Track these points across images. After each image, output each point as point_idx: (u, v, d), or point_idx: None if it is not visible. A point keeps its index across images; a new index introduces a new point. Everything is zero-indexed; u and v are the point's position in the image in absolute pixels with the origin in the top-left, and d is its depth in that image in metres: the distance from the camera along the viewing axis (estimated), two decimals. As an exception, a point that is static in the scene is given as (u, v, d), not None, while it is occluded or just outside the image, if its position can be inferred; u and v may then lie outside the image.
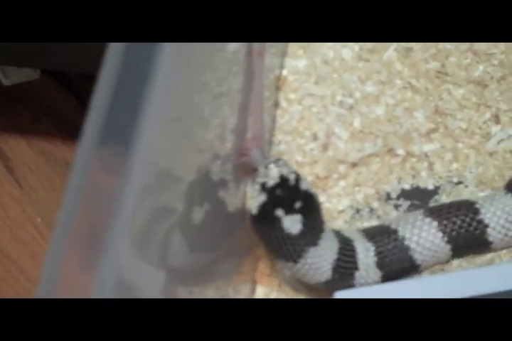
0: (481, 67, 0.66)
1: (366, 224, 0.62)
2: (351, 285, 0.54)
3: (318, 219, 0.54)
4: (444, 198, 0.62)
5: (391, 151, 0.64)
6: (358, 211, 0.63)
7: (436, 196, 0.63)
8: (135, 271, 0.39)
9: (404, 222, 0.57)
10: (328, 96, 0.66)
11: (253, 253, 0.61)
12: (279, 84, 0.67)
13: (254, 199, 0.52)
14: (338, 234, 0.56)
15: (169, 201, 0.44)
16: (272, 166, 0.52)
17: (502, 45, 0.66)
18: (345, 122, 0.65)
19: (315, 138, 0.64)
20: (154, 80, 0.39)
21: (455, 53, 0.67)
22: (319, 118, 0.65)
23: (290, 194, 0.52)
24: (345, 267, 0.54)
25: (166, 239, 0.44)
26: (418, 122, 0.65)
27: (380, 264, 0.55)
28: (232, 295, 0.58)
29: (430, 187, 0.63)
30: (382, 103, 0.66)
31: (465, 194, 0.62)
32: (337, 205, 0.62)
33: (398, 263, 0.56)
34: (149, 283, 0.44)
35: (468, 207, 0.57)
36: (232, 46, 0.59)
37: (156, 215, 0.42)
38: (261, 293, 0.60)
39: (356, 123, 0.65)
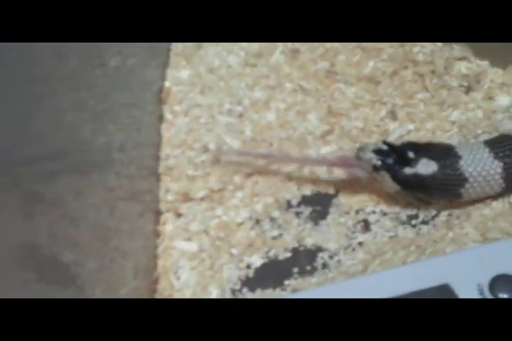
0: (371, 64, 0.68)
1: (268, 235, 0.61)
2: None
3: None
4: (343, 202, 0.63)
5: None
6: (258, 222, 0.63)
7: (334, 199, 0.63)
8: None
9: None
10: (216, 105, 0.67)
11: (150, 275, 0.61)
12: (162, 96, 0.67)
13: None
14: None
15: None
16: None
17: None
18: (236, 131, 0.66)
19: (205, 149, 0.64)
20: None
21: (343, 51, 0.69)
22: (208, 129, 0.66)
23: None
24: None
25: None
26: (312, 125, 0.66)
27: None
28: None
29: (331, 191, 0.64)
30: (273, 108, 0.67)
31: (364, 193, 0.63)
32: (235, 218, 0.63)
33: None
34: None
35: None
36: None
37: None
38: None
39: (247, 131, 0.66)
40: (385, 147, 0.59)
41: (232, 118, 0.66)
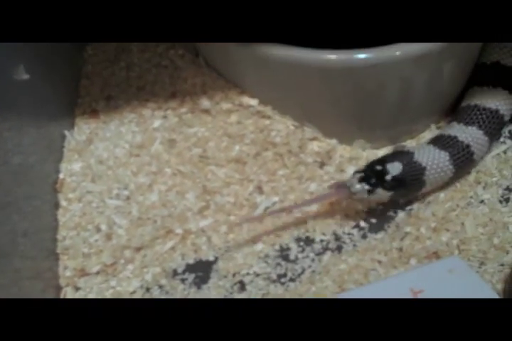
0: (237, 147, 0.81)
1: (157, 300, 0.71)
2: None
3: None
4: (221, 267, 0.74)
5: (170, 232, 0.76)
6: (148, 290, 0.73)
7: (214, 265, 0.74)
8: None
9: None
10: (105, 191, 0.79)
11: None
12: (56, 187, 0.78)
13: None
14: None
15: None
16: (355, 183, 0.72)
17: (250, 127, 0.82)
18: (124, 212, 0.77)
19: (98, 230, 0.76)
20: None
21: (213, 138, 0.82)
22: (99, 212, 0.77)
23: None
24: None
25: None
26: (190, 202, 0.78)
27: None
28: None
29: (211, 258, 0.75)
30: (156, 190, 0.78)
31: (239, 258, 0.74)
32: (128, 287, 0.73)
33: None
34: None
35: None
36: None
37: None
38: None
39: (134, 211, 0.77)
40: (361, 174, 0.72)
41: (120, 202, 0.78)
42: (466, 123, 0.77)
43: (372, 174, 0.72)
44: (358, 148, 0.82)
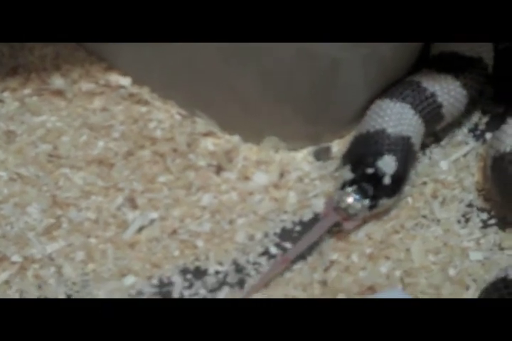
0: (101, 144, 0.77)
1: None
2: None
3: None
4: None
5: (4, 259, 0.71)
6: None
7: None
8: None
9: None
10: None
11: None
12: None
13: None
14: None
15: None
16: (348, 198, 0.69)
17: (120, 115, 0.78)
18: None
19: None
20: None
21: (68, 131, 0.78)
22: None
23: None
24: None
25: None
26: (33, 219, 0.73)
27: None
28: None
29: (61, 296, 0.70)
30: (-16, 202, 0.74)
31: (102, 296, 0.69)
32: None
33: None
34: None
35: None
36: None
37: None
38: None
39: (-47, 230, 0.72)
40: (353, 186, 0.70)
41: None
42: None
43: (366, 182, 0.70)
44: (269, 148, 0.78)
